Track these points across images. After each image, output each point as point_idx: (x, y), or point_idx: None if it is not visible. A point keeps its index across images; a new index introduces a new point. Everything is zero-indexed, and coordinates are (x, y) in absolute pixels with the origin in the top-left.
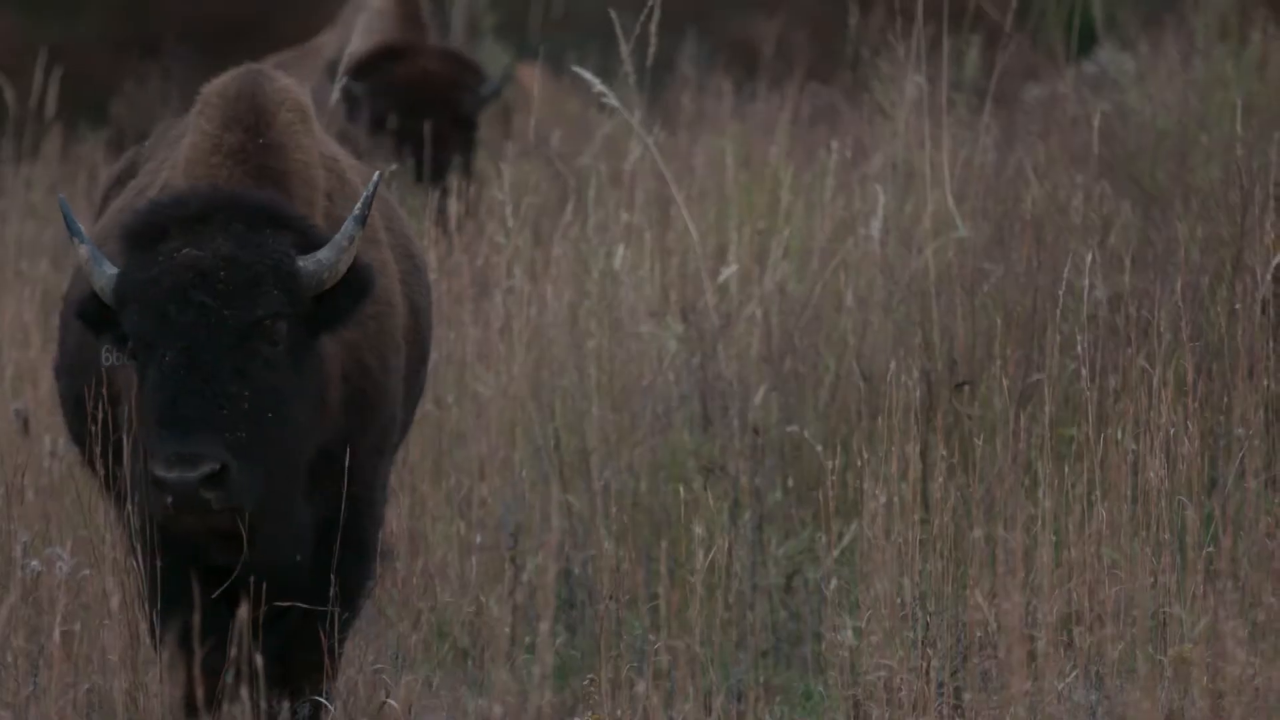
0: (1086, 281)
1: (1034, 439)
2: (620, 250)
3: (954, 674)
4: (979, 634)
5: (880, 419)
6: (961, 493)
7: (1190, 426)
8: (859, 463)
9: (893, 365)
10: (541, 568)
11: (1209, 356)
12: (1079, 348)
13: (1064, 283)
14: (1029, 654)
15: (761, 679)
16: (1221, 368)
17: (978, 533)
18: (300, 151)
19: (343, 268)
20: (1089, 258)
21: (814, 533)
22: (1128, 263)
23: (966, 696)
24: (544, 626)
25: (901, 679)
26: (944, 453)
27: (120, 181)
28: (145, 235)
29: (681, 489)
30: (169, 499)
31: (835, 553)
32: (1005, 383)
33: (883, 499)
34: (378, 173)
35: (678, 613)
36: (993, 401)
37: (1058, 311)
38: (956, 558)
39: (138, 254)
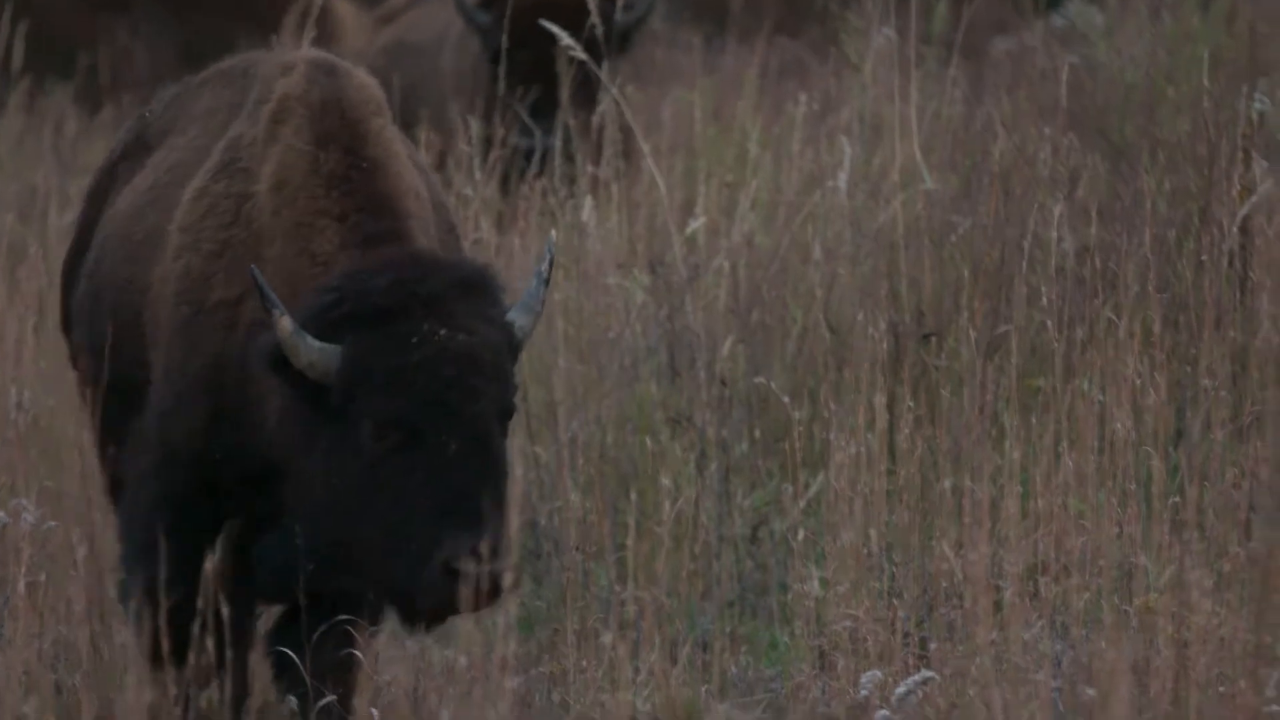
0: (1054, 234)
1: (1001, 390)
2: (588, 202)
3: (920, 624)
4: (945, 584)
5: (847, 370)
6: (928, 444)
7: (1157, 378)
8: (826, 414)
9: (860, 317)
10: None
11: (1176, 308)
12: (1046, 299)
13: (1031, 235)
14: (995, 604)
15: (727, 629)
16: (1188, 319)
17: (944, 484)
18: (397, 162)
19: (532, 331)
20: (1056, 210)
21: (780, 484)
22: (1095, 215)
23: (932, 646)
24: (509, 577)
25: (867, 629)
26: (911, 404)
27: (130, 155)
28: (380, 313)
29: (648, 440)
30: (456, 593)
31: (802, 503)
32: (972, 334)
33: (849, 450)
34: (553, 232)
35: (644, 563)
36: (960, 353)
37: (1025, 263)
38: (923, 508)
39: (376, 333)
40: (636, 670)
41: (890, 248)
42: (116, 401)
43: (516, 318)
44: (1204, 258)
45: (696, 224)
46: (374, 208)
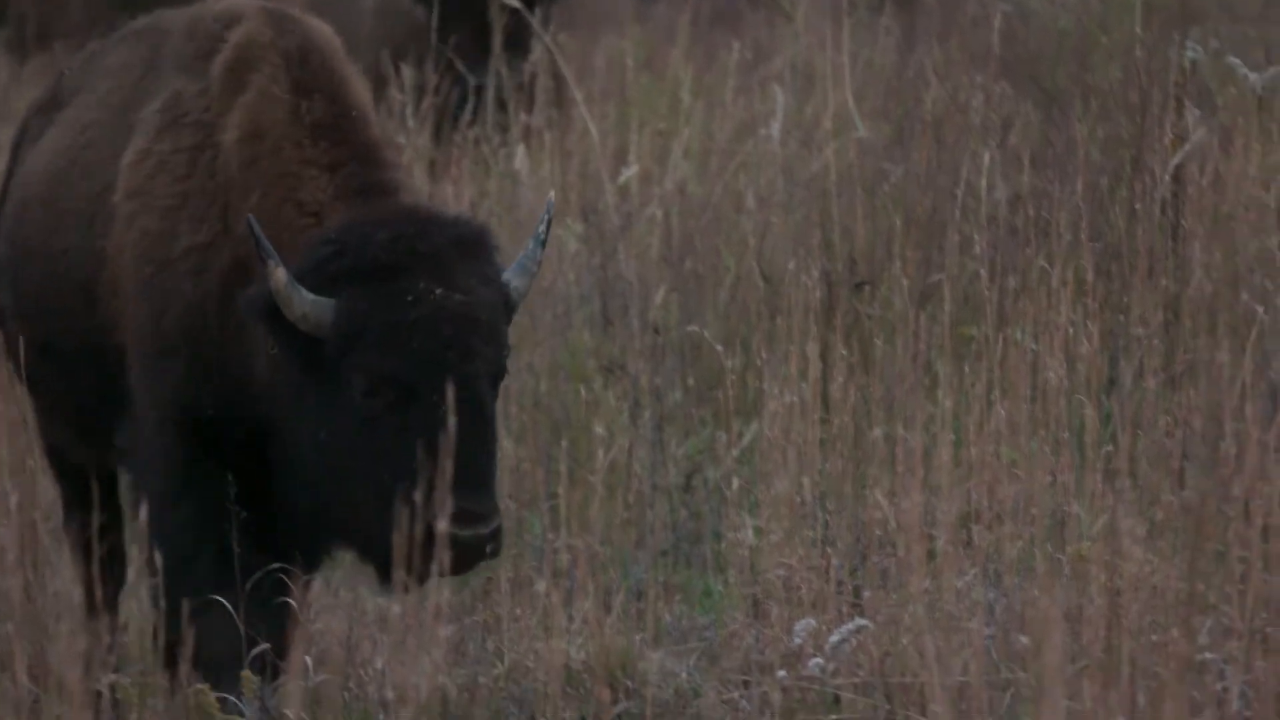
0: (986, 182)
1: (934, 339)
2: (520, 151)
3: (853, 572)
4: (878, 533)
5: (780, 319)
6: (861, 392)
7: (1089, 326)
8: (759, 362)
9: (792, 265)
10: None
11: (1108, 256)
12: (978, 248)
13: (964, 183)
14: (928, 552)
15: (661, 577)
16: (1120, 268)
17: (877, 432)
18: (372, 110)
19: (528, 293)
20: (988, 158)
21: (714, 432)
22: (1027, 163)
23: (866, 594)
24: (442, 525)
25: (801, 577)
26: (844, 352)
27: (45, 110)
28: (378, 268)
29: (582, 389)
30: (451, 555)
31: (735, 452)
32: (905, 283)
33: (783, 398)
34: (551, 193)
35: (577, 512)
36: (892, 301)
37: (957, 212)
38: (856, 457)
39: (373, 288)
40: (570, 619)
41: (823, 196)
42: (48, 365)
43: (512, 278)
44: (1136, 206)
45: (629, 172)
46: (365, 158)
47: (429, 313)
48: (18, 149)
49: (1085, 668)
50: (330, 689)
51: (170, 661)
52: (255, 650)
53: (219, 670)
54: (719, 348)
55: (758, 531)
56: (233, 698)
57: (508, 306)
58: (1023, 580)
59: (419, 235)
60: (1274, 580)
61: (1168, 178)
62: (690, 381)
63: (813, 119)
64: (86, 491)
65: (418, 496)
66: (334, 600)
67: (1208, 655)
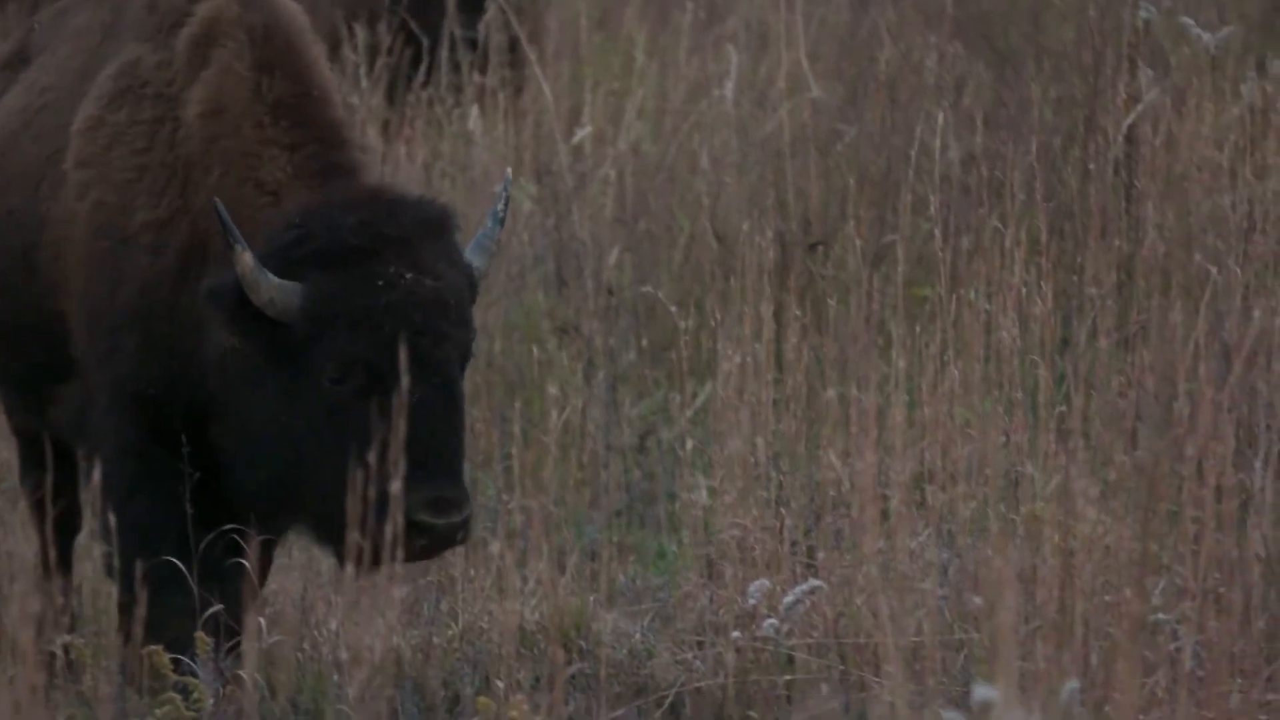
0: (939, 142)
1: (887, 299)
2: (474, 111)
3: (807, 533)
4: (832, 493)
5: (734, 279)
6: (815, 353)
7: (1043, 286)
8: (713, 323)
9: (746, 226)
10: (395, 428)
11: (1062, 216)
12: (932, 208)
13: (917, 143)
14: (881, 513)
15: (615, 538)
16: (1074, 228)
17: (831, 392)
18: (336, 91)
19: (487, 272)
20: (942, 118)
21: (668, 393)
22: (981, 123)
23: (819, 555)
24: (396, 486)
25: (755, 538)
26: (798, 313)
27: (11, 66)
28: (346, 252)
29: (535, 349)
30: (422, 542)
31: (689, 412)
32: (859, 243)
33: (736, 359)
34: (509, 169)
35: (531, 473)
36: (846, 262)
37: (911, 172)
38: (809, 417)
39: (342, 273)
40: (524, 579)
41: (776, 156)
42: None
43: (474, 259)
44: (1090, 166)
45: (583, 133)
46: (327, 138)
47: (400, 297)
48: None
49: (1038, 628)
50: (284, 650)
51: (125, 625)
52: (209, 611)
53: (173, 632)
54: (673, 308)
55: (711, 492)
56: (187, 659)
57: (472, 288)
58: (976, 540)
59: (386, 218)
60: (1226, 540)
61: (1121, 138)
62: (644, 342)
63: (766, 79)
64: (41, 451)
65: (393, 484)
66: (288, 561)
67: (1160, 615)
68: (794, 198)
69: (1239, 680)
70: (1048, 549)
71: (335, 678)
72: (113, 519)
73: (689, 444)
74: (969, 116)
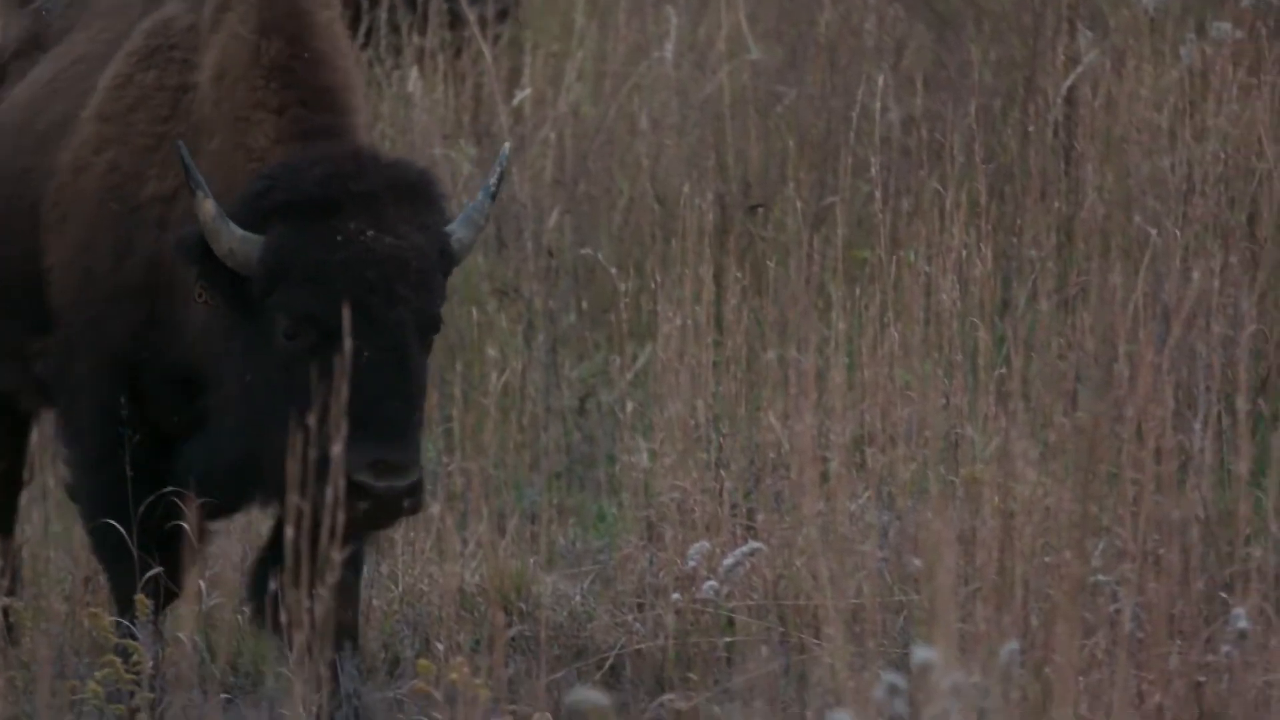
0: (879, 104)
1: (827, 261)
2: (413, 73)
3: (747, 495)
4: (772, 455)
5: (674, 241)
6: (755, 315)
7: (983, 248)
8: (653, 285)
9: (686, 188)
10: (336, 389)
11: (1001, 178)
12: (872, 170)
13: (857, 105)
14: (821, 475)
15: (555, 501)
16: (1014, 190)
17: (771, 354)
18: (342, 58)
19: (473, 246)
20: (882, 80)
21: (608, 355)
22: (920, 85)
23: (759, 517)
24: (336, 450)
25: (695, 500)
26: (738, 275)
27: (24, 54)
28: (308, 206)
29: (475, 311)
30: (364, 505)
31: (629, 375)
32: (799, 205)
33: (676, 321)
34: (507, 144)
35: (471, 435)
36: (786, 224)
37: (851, 134)
38: (750, 380)
39: (302, 226)
40: (464, 542)
41: (716, 118)
42: None
43: (456, 229)
44: (1029, 128)
45: (523, 95)
46: (314, 101)
47: (355, 254)
48: None
49: (978, 589)
50: (224, 612)
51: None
52: (149, 573)
53: (120, 595)
54: (613, 270)
55: (651, 455)
56: (126, 621)
57: (445, 255)
58: (916, 502)
59: (354, 175)
60: (1166, 502)
61: (1060, 100)
62: (584, 304)
63: (706, 40)
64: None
65: (334, 445)
66: (228, 523)
67: (1100, 577)
68: (734, 160)
69: (1178, 641)
70: (987, 511)
71: (274, 640)
72: (81, 479)
73: (629, 406)
74: (909, 79)
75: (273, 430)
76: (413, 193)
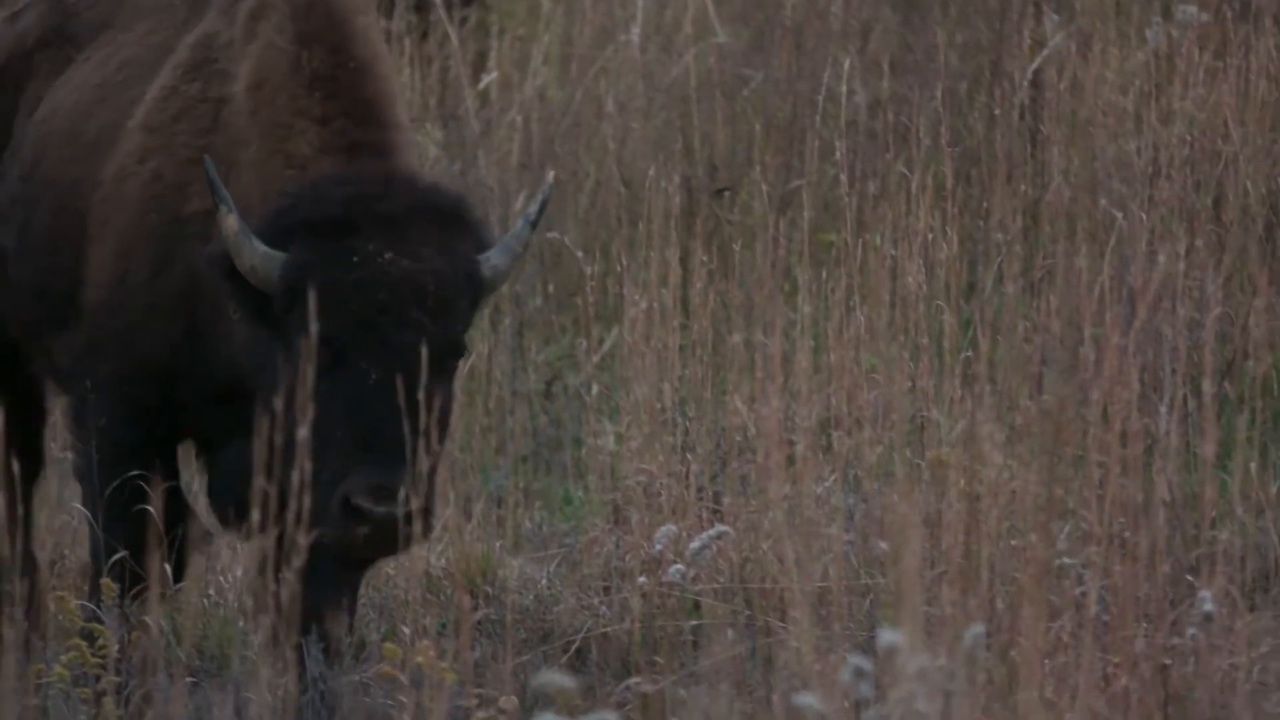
0: (846, 87)
1: (793, 244)
2: None
3: (713, 478)
4: (738, 438)
5: (640, 225)
6: (721, 298)
7: (949, 231)
8: (619, 269)
9: (652, 171)
10: (304, 373)
11: (967, 162)
12: (838, 154)
13: (823, 89)
14: (787, 458)
15: (521, 484)
16: (980, 173)
17: (737, 338)
18: (384, 65)
19: (511, 274)
20: (848, 64)
21: (574, 338)
22: (887, 69)
23: (725, 500)
24: (302, 433)
25: (661, 483)
26: (704, 258)
27: (50, 45)
28: (328, 225)
29: None
30: (363, 530)
31: (595, 358)
32: (765, 188)
33: (642, 305)
34: (552, 173)
35: None
36: (752, 207)
37: (817, 117)
38: (716, 363)
39: (322, 245)
40: None
41: (683, 102)
42: (39, 303)
43: (492, 256)
44: (996, 111)
45: (489, 78)
46: (360, 114)
47: (370, 275)
48: (15, 85)
49: (944, 573)
50: (190, 596)
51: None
52: (115, 557)
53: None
54: (579, 254)
55: (618, 438)
56: (92, 605)
57: (473, 282)
58: (882, 486)
59: (379, 196)
60: (1131, 485)
61: (1026, 83)
62: (550, 288)
63: (672, 24)
64: None
65: (336, 465)
66: (197, 504)
67: (1066, 560)
68: (700, 143)
69: (1144, 625)
70: (953, 494)
71: (241, 624)
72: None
73: (595, 390)
74: (875, 62)
75: (288, 450)
76: (441, 217)
